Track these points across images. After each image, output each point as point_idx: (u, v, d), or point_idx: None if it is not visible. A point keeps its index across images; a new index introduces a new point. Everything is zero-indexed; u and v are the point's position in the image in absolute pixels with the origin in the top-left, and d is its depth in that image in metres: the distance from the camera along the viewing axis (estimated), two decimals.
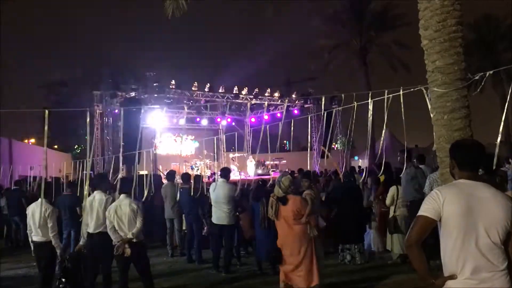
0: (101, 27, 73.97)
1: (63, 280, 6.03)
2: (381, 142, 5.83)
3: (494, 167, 4.39)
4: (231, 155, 25.07)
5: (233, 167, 22.37)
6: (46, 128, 4.72)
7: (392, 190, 7.76)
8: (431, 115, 4.59)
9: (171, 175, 10.14)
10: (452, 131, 4.36)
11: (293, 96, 24.62)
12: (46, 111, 4.69)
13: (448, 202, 2.56)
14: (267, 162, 23.54)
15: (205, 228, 8.34)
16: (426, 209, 2.61)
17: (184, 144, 26.19)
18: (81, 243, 6.24)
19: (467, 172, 2.68)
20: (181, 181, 9.47)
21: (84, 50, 71.01)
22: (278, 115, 25.19)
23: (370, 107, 5.50)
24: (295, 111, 24.30)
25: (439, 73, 4.41)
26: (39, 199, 6.10)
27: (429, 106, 4.64)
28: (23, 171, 15.96)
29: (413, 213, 7.24)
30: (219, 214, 7.69)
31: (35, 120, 36.31)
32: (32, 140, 36.22)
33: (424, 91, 4.84)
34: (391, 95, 5.26)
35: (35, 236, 6.13)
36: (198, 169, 22.24)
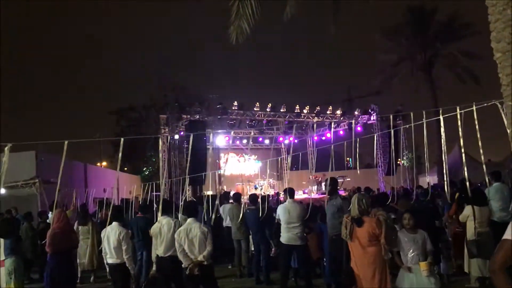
0: (167, 52, 77.16)
1: None
2: (463, 159, 5.58)
3: None
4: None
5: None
6: (120, 155, 4.96)
7: (468, 209, 7.36)
8: (508, 131, 4.36)
9: (237, 196, 10.27)
10: None
11: (356, 113, 24.25)
12: (122, 139, 4.92)
13: None
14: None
15: (273, 249, 8.31)
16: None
17: (247, 164, 26.53)
18: (153, 268, 6.45)
19: None
20: (248, 202, 9.53)
21: (151, 76, 74.18)
22: (341, 132, 24.91)
23: (442, 124, 5.32)
24: (358, 128, 23.91)
25: None
26: (113, 223, 6.41)
27: (505, 122, 4.41)
28: (96, 194, 16.76)
29: (336, 248, 6.71)
30: (291, 235, 7.46)
31: (107, 144, 38.20)
32: (104, 163, 38.02)
33: (499, 105, 4.61)
34: (463, 111, 5.07)
35: (110, 258, 6.39)
36: (261, 189, 22.38)
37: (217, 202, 9.40)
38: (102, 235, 6.52)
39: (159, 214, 6.51)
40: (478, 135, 5.12)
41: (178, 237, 5.84)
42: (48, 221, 10.30)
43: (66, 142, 4.40)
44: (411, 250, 5.29)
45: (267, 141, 26.99)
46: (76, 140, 4.90)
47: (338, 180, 22.97)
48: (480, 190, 7.62)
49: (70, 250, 6.88)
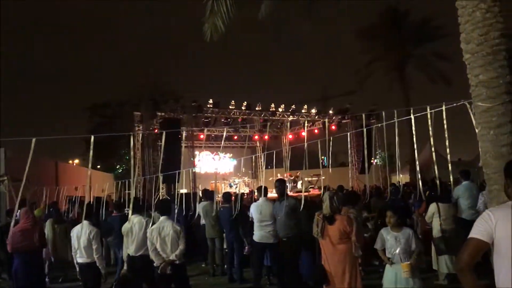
0: (141, 48, 76.29)
1: None
2: (433, 157, 5.67)
3: None
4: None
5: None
6: (91, 153, 4.86)
7: (432, 207, 7.48)
8: (476, 130, 4.45)
9: (210, 194, 10.21)
10: (499, 147, 4.21)
11: (330, 112, 24.45)
12: (92, 137, 4.83)
13: (501, 224, 2.45)
14: (306, 179, 23.36)
15: (246, 247, 8.31)
16: (477, 231, 2.51)
17: (222, 162, 26.44)
18: (125, 267, 6.37)
19: None
20: (222, 200, 9.50)
21: (124, 73, 73.29)
22: (316, 131, 25.06)
23: (413, 123, 5.40)
24: (333, 127, 24.11)
25: (483, 87, 4.28)
26: (84, 222, 6.29)
27: (474, 121, 4.51)
28: (68, 192, 16.44)
29: (287, 250, 6.75)
30: (263, 234, 7.44)
31: (79, 142, 37.55)
32: (76, 161, 37.38)
33: (468, 106, 4.70)
34: (433, 111, 5.15)
35: (80, 257, 6.27)
36: (236, 187, 22.35)
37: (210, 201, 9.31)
38: (72, 234, 6.40)
39: (130, 212, 6.41)
40: (446, 135, 5.21)
41: (150, 235, 5.78)
42: (16, 219, 10.09)
43: (33, 140, 4.29)
44: (393, 249, 5.24)
45: (242, 140, 27.00)
46: (44, 137, 4.79)
47: (313, 178, 23.26)
48: (444, 187, 7.79)
49: (35, 250, 6.71)
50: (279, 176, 23.83)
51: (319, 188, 21.70)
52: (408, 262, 5.06)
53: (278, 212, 7.07)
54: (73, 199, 13.05)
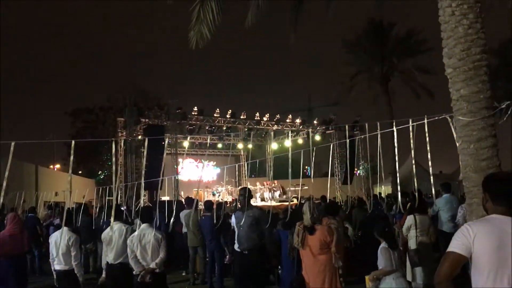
0: (127, 55, 75.93)
1: None
2: (413, 169, 5.72)
3: None
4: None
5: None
6: (72, 158, 4.79)
7: (410, 219, 7.51)
8: (457, 144, 4.50)
9: (193, 202, 10.12)
10: (479, 161, 4.27)
11: (315, 122, 24.58)
12: (73, 142, 4.76)
13: (479, 238, 2.47)
14: (288, 189, 23.38)
15: (227, 256, 8.26)
16: (456, 245, 2.53)
17: (205, 170, 26.34)
18: (103, 275, 6.27)
19: (502, 207, 2.57)
20: (203, 208, 9.43)
21: (109, 78, 72.79)
22: (300, 141, 25.13)
23: (395, 135, 5.44)
24: (317, 137, 24.22)
25: (464, 101, 4.34)
26: (64, 228, 6.17)
27: (455, 135, 4.56)
28: (48, 197, 16.20)
29: (248, 265, 6.57)
30: None
31: (61, 147, 37.12)
32: (58, 166, 36.88)
33: (449, 119, 4.76)
34: (415, 124, 5.21)
35: (58, 264, 6.14)
36: (219, 195, 22.24)
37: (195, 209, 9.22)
38: (50, 241, 6.28)
39: (112, 219, 6.32)
40: (428, 148, 5.28)
41: (131, 243, 5.70)
42: None
43: (13, 143, 4.21)
44: None
45: (226, 148, 26.95)
46: (24, 141, 4.70)
47: (296, 188, 23.24)
48: (421, 199, 7.85)
49: (20, 255, 6.63)
50: (265, 185, 23.89)
51: (302, 198, 21.66)
52: (369, 276, 5.31)
53: (240, 223, 6.64)
54: (51, 205, 12.87)
